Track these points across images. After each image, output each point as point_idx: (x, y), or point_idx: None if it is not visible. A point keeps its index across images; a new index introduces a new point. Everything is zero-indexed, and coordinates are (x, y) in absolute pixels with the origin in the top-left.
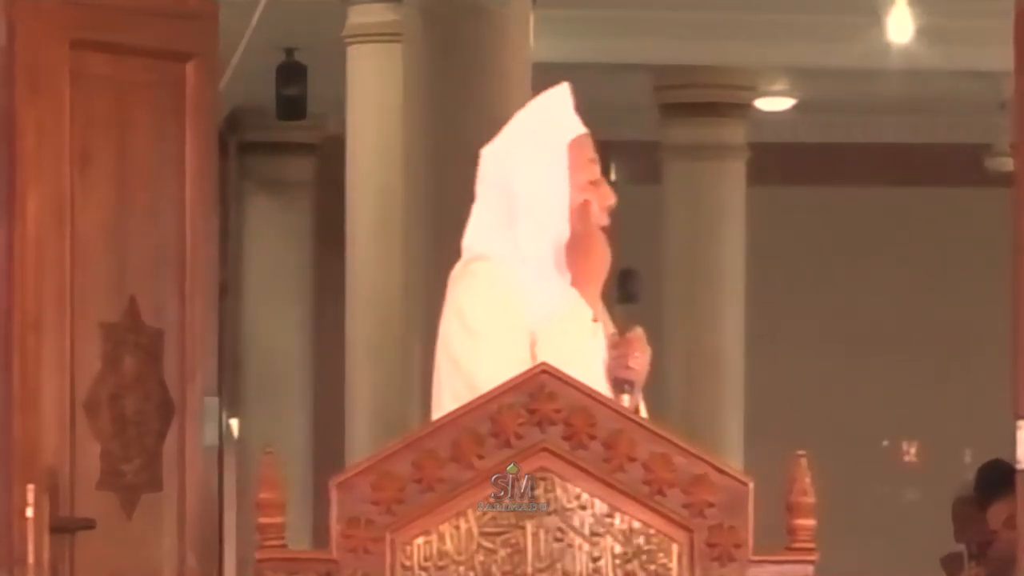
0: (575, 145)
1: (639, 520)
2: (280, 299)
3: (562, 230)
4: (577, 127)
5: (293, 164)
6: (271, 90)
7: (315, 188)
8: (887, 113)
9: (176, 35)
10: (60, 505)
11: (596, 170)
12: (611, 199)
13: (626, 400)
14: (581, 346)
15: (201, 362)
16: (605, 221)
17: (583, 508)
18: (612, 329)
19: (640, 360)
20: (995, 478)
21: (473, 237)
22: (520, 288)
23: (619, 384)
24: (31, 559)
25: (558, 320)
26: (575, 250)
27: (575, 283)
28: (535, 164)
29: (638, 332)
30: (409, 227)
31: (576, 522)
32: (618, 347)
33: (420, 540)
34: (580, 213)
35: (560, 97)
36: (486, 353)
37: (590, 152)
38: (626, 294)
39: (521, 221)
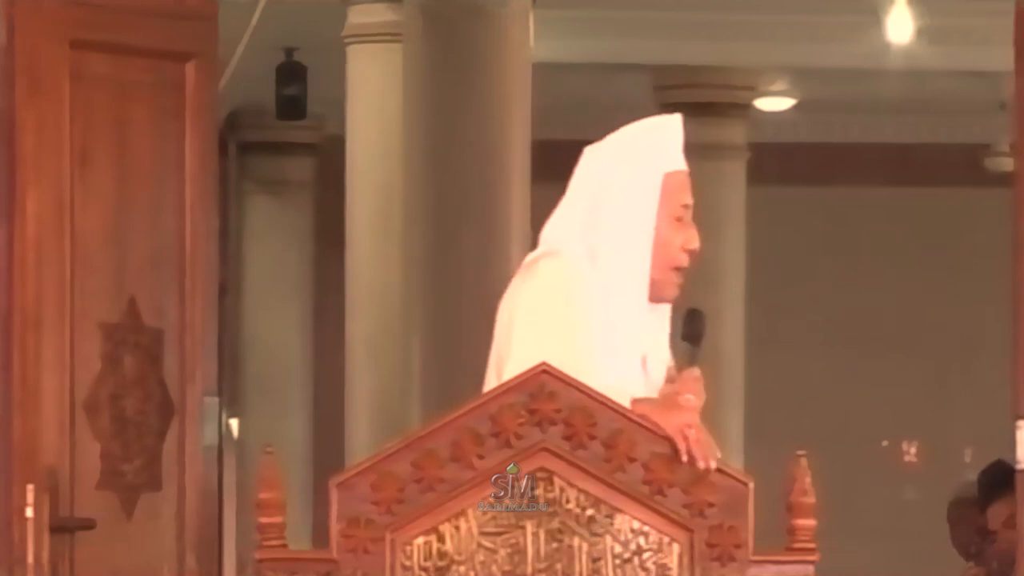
0: (672, 178)
1: (639, 520)
2: (280, 299)
3: (644, 257)
4: (680, 163)
5: (293, 164)
6: (271, 90)
7: (315, 188)
8: (887, 113)
9: (176, 35)
10: (60, 505)
11: (685, 212)
12: (694, 243)
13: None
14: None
15: (201, 362)
16: (683, 263)
17: (583, 508)
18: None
19: (691, 401)
20: (998, 480)
21: (551, 231)
22: (583, 283)
23: None
24: (31, 559)
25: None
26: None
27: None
28: (631, 182)
29: (695, 373)
30: (409, 227)
31: (576, 522)
32: (673, 382)
33: (420, 540)
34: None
35: (672, 127)
36: (533, 344)
37: (685, 192)
38: (690, 333)
39: (603, 231)
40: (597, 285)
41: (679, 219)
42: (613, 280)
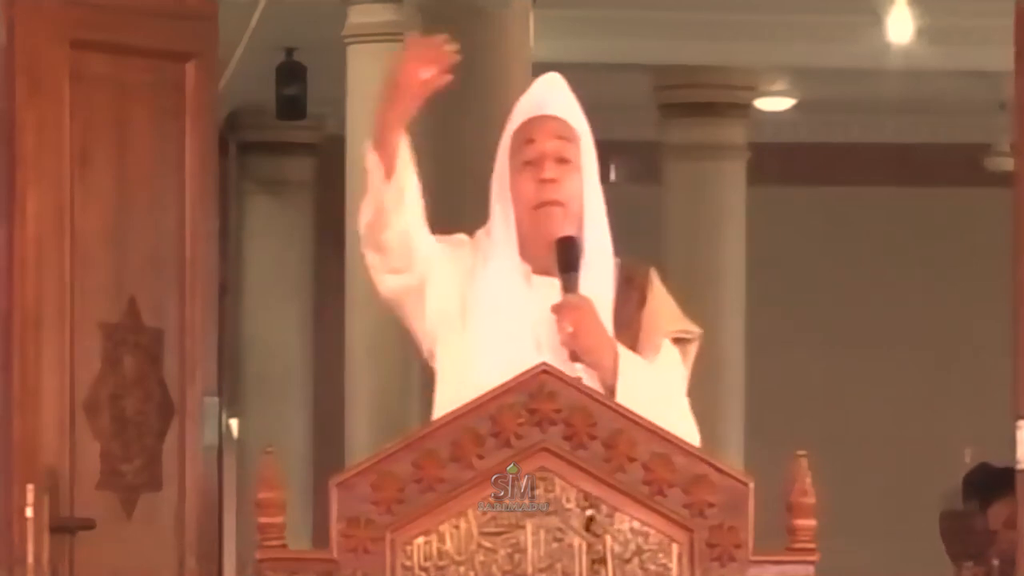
0: (525, 125)
1: (639, 520)
2: (280, 299)
3: (508, 219)
4: (537, 108)
5: (293, 164)
6: (271, 90)
7: (315, 188)
8: (887, 113)
9: (176, 35)
10: (60, 505)
11: (531, 150)
12: (542, 174)
13: (579, 370)
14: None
15: (201, 362)
16: (546, 196)
17: (583, 508)
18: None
19: (569, 330)
20: (982, 482)
21: None
22: (455, 271)
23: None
24: (31, 559)
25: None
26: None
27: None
28: (500, 148)
29: (567, 300)
30: None
31: (576, 522)
32: (555, 317)
33: (420, 540)
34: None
35: (542, 81)
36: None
37: (529, 133)
38: (563, 261)
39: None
40: (479, 268)
41: (528, 161)
42: (490, 257)
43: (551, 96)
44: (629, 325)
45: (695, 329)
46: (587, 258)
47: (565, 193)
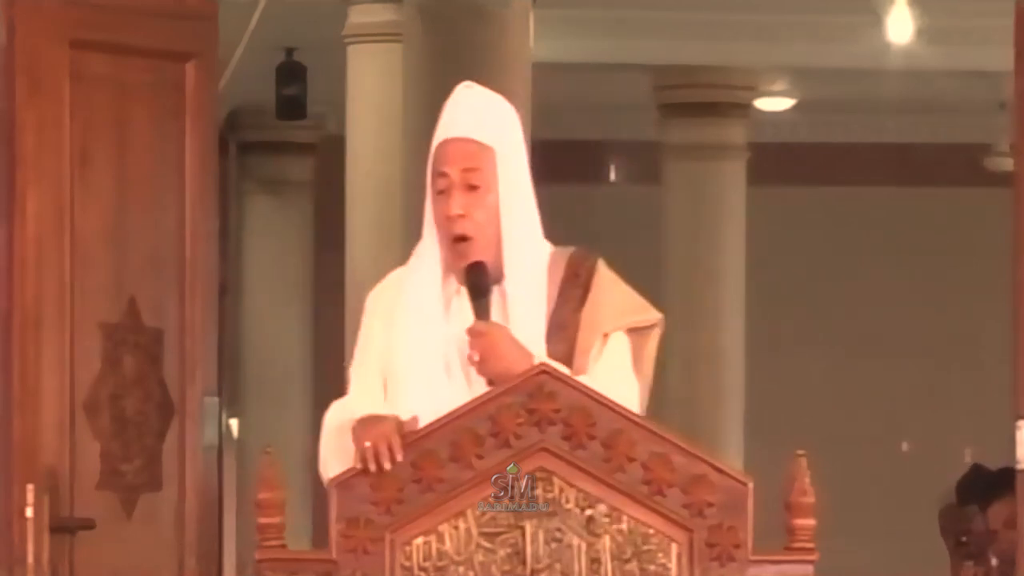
0: (437, 149)
1: (639, 520)
2: (280, 299)
3: (432, 243)
4: (446, 131)
5: (293, 164)
6: (271, 90)
7: (315, 188)
8: (887, 113)
9: (176, 35)
10: (60, 505)
11: (445, 181)
12: (449, 211)
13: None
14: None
15: (201, 362)
16: (455, 231)
17: (582, 508)
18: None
19: (478, 357)
20: (979, 483)
21: None
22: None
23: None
24: (31, 559)
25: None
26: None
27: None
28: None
29: (476, 326)
30: (409, 227)
31: (576, 522)
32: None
33: (420, 540)
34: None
35: (452, 97)
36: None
37: (445, 159)
38: (471, 285)
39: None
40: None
41: (441, 191)
42: (413, 281)
43: (458, 114)
44: (566, 327)
45: (646, 317)
46: (510, 273)
47: (473, 226)
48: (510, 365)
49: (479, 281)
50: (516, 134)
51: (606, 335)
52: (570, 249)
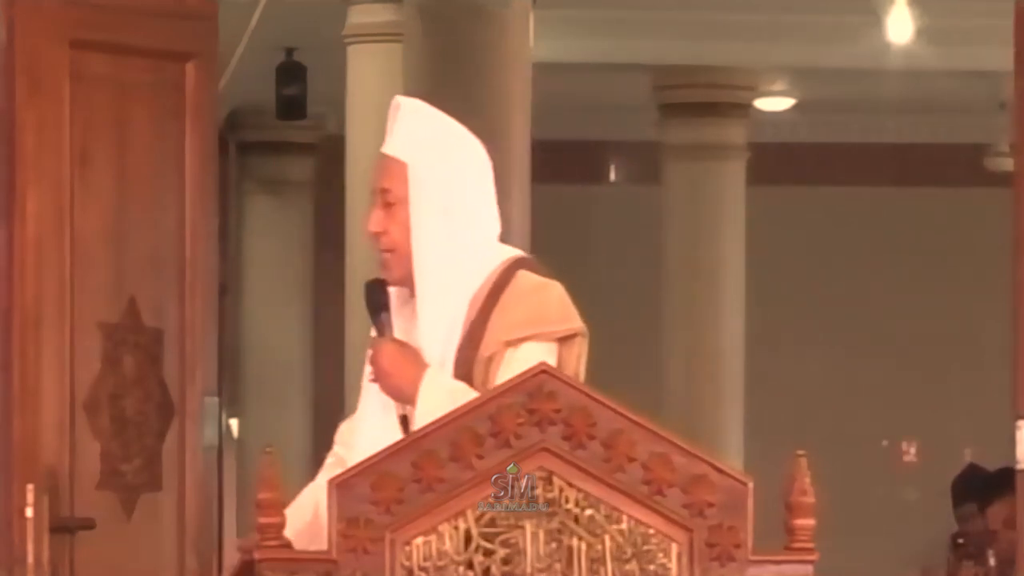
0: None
1: (638, 520)
2: (280, 299)
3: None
4: (383, 146)
5: (293, 164)
6: (271, 90)
7: (315, 188)
8: (887, 113)
9: (176, 35)
10: (60, 505)
11: (374, 196)
12: (370, 227)
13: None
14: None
15: (201, 362)
16: (377, 245)
17: (582, 508)
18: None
19: (376, 376)
20: (976, 483)
21: None
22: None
23: None
24: (31, 559)
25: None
26: None
27: None
28: None
29: (372, 343)
30: None
31: (575, 522)
32: None
33: (420, 540)
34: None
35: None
36: None
37: (376, 175)
38: (368, 303)
39: None
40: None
41: (373, 204)
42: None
43: (390, 129)
44: (475, 337)
45: (553, 328)
46: (420, 287)
47: (390, 241)
48: (398, 381)
49: (375, 298)
50: (440, 148)
51: (509, 344)
52: (517, 257)
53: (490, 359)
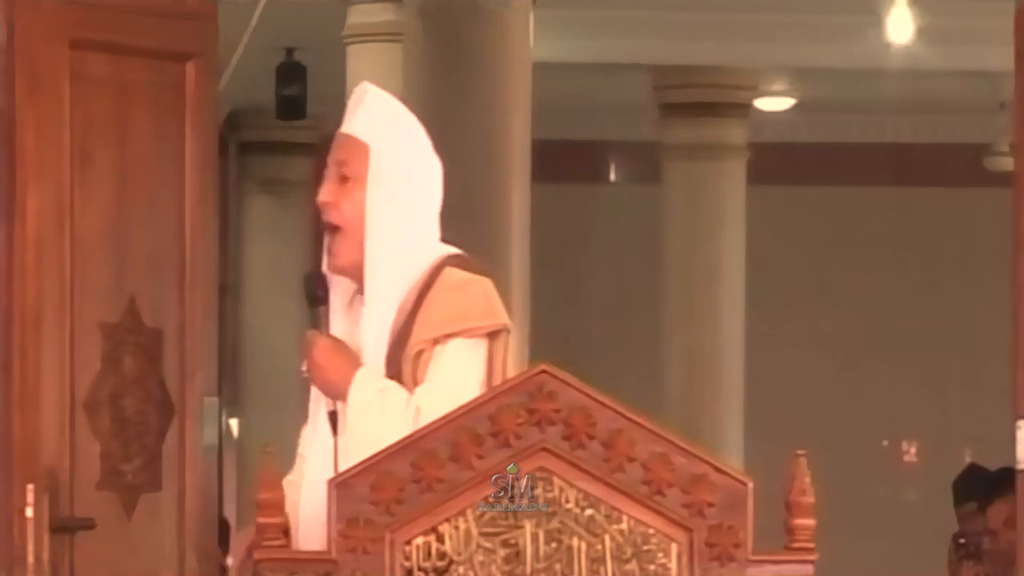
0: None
1: (639, 520)
2: (280, 299)
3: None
4: (344, 126)
5: (293, 164)
6: (271, 90)
7: (315, 188)
8: (887, 113)
9: (176, 35)
10: (60, 505)
11: (325, 173)
12: (319, 196)
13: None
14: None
15: (201, 362)
16: (325, 217)
17: (582, 508)
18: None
19: (310, 370)
20: (976, 483)
21: None
22: None
23: None
24: (31, 559)
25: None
26: None
27: None
28: None
29: (309, 339)
30: None
31: (576, 522)
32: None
33: (419, 540)
34: None
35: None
36: None
37: (335, 150)
38: (307, 295)
39: None
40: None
41: (327, 177)
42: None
43: (352, 114)
44: (403, 334)
45: (475, 324)
46: (368, 278)
47: (340, 216)
48: (331, 376)
49: (314, 292)
50: (402, 136)
51: (436, 341)
52: (448, 255)
53: (417, 356)
